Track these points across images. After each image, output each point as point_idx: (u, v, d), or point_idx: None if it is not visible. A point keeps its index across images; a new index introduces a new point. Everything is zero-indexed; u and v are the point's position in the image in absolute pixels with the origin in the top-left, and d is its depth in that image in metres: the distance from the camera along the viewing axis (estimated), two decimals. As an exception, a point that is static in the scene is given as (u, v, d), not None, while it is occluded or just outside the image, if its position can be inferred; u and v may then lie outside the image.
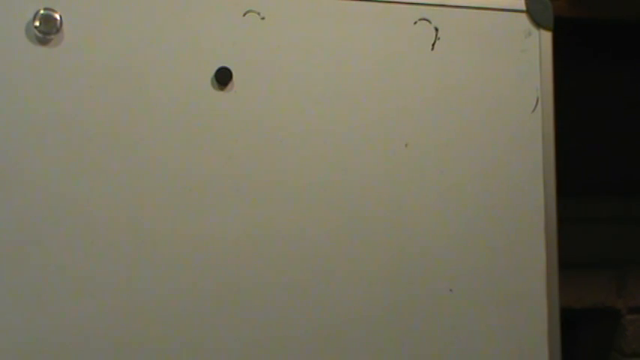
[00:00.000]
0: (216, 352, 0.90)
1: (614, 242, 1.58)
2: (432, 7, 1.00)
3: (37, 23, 0.87)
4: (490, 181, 1.00)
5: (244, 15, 0.94)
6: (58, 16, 0.88)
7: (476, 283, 0.99)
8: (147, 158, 0.90)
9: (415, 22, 0.99)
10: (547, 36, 1.04)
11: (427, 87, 0.99)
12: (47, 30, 0.87)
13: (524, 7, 1.03)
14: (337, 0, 0.97)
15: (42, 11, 0.87)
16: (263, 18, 0.94)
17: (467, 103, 1.00)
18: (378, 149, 0.97)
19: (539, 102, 1.03)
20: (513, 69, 1.02)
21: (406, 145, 0.98)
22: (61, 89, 0.88)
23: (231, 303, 0.91)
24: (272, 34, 0.94)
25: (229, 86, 0.93)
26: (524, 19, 1.03)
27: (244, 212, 0.92)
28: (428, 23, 1.00)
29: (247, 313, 0.91)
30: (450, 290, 0.98)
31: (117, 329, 0.88)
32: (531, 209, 1.02)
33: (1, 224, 0.85)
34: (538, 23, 1.04)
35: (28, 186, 0.86)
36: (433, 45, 1.00)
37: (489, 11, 1.02)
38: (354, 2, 0.97)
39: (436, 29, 1.00)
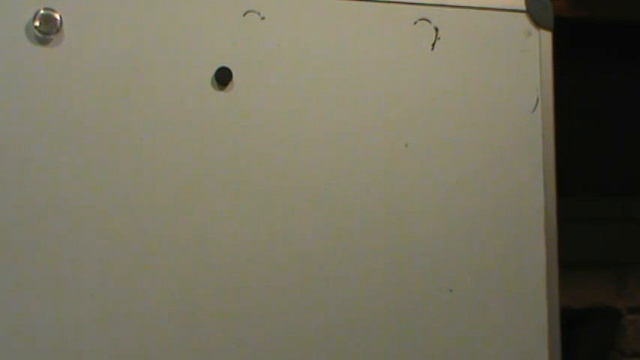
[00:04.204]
0: (217, 353, 0.90)
1: (614, 242, 1.58)
2: (432, 7, 1.00)
3: (37, 23, 0.87)
4: (490, 181, 1.00)
5: (244, 15, 0.94)
6: (58, 16, 0.88)
7: (476, 283, 0.99)
8: (147, 158, 0.90)
9: (415, 22, 0.99)
10: (547, 36, 1.04)
11: (427, 87, 0.99)
12: (47, 30, 0.87)
13: (524, 7, 1.03)
14: (337, 0, 0.97)
15: (42, 11, 0.87)
16: (263, 18, 0.94)
17: (467, 103, 1.00)
18: (378, 149, 0.97)
19: (539, 102, 1.03)
20: (513, 69, 1.02)
21: (406, 145, 0.98)
22: (61, 89, 0.88)
23: (230, 303, 0.91)
24: (272, 34, 0.94)
25: (229, 86, 0.93)
26: (524, 19, 1.03)
27: (244, 212, 0.92)
28: (428, 23, 1.00)
29: (247, 313, 0.91)
30: (450, 290, 0.98)
31: (117, 329, 0.88)
32: (531, 209, 1.02)
33: (1, 224, 0.85)
34: (538, 23, 1.04)
35: (28, 186, 0.86)
36: (433, 45, 1.00)
37: (489, 11, 1.02)
38: (354, 2, 0.97)
39: (436, 29, 1.00)
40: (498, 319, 0.99)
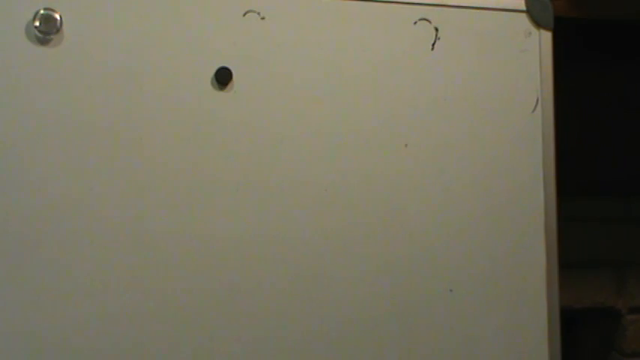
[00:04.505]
0: (216, 352, 0.90)
1: (614, 242, 1.58)
2: (432, 7, 1.00)
3: (37, 23, 0.87)
4: (490, 181, 1.00)
5: (244, 15, 0.94)
6: (58, 16, 0.88)
7: (476, 283, 0.99)
8: (147, 158, 0.90)
9: (415, 22, 0.99)
10: (547, 36, 1.04)
11: (427, 87, 0.99)
12: (47, 30, 0.87)
13: (524, 7, 1.03)
14: (337, 0, 0.97)
15: (42, 11, 0.87)
16: (263, 18, 0.94)
17: (467, 103, 1.00)
18: (378, 149, 0.97)
19: (539, 102, 1.03)
20: (513, 69, 1.02)
21: (406, 145, 0.98)
22: (61, 89, 0.88)
23: (230, 302, 0.91)
24: (272, 34, 0.94)
25: (229, 86, 0.93)
26: (524, 19, 1.03)
27: (244, 212, 0.92)
28: (428, 23, 1.00)
29: (247, 312, 0.91)
30: (450, 290, 0.98)
31: (117, 329, 0.88)
32: (531, 209, 1.02)
33: (1, 224, 0.85)
34: (538, 23, 1.04)
35: (28, 186, 0.86)
36: (433, 45, 1.00)
37: (489, 11, 1.02)
38: (354, 2, 0.97)
39: (436, 29, 1.00)
40: (498, 319, 0.99)
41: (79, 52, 0.89)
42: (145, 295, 0.89)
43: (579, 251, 1.55)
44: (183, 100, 0.91)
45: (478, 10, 1.01)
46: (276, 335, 0.92)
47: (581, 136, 1.51)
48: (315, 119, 0.95)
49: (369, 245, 0.96)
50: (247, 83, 0.93)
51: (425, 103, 0.99)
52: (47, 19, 0.87)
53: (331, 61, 0.96)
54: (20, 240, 0.86)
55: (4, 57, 0.87)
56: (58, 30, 0.88)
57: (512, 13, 1.03)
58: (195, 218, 0.91)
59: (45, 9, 0.87)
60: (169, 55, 0.91)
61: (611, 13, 1.45)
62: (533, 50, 1.03)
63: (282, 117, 0.94)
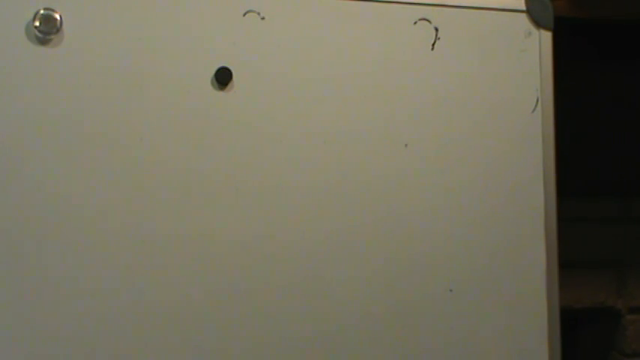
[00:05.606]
0: (215, 352, 0.90)
1: (614, 242, 1.58)
2: (432, 7, 1.00)
3: (37, 23, 0.87)
4: (490, 181, 1.00)
5: (244, 15, 0.94)
6: (58, 16, 0.88)
7: (476, 283, 0.99)
8: (147, 158, 0.90)
9: (415, 22, 0.99)
10: (547, 36, 1.04)
11: (427, 87, 0.99)
12: (47, 30, 0.87)
13: (524, 7, 1.03)
14: (337, 0, 0.97)
15: (42, 11, 0.87)
16: (263, 18, 0.94)
17: (467, 103, 1.00)
18: (378, 149, 0.97)
19: (539, 102, 1.03)
20: (513, 69, 1.02)
21: (406, 145, 0.98)
22: (61, 89, 0.88)
23: (230, 303, 0.91)
24: (272, 34, 0.94)
25: (229, 86, 0.93)
26: (524, 19, 1.03)
27: (244, 212, 0.92)
28: (428, 23, 1.00)
29: (247, 313, 0.91)
30: (450, 290, 0.98)
31: (117, 329, 0.88)
32: (531, 209, 1.02)
33: (1, 224, 0.85)
34: (538, 23, 1.04)
35: (28, 186, 0.86)
36: (433, 45, 1.00)
37: (489, 11, 1.02)
38: (354, 2, 0.97)
39: (436, 29, 1.00)
40: (498, 319, 0.99)
41: (79, 52, 0.89)
42: (145, 296, 0.89)
43: (579, 251, 1.55)
44: (183, 100, 0.91)
45: (478, 10, 1.01)
46: (275, 335, 0.92)
47: (581, 136, 1.51)
48: (314, 119, 0.95)
49: (368, 245, 0.96)
50: (247, 83, 0.93)
51: (425, 103, 0.99)
52: (47, 19, 0.87)
53: (331, 61, 0.96)
54: (20, 240, 0.86)
55: (4, 57, 0.87)
56: (58, 30, 0.88)
57: (512, 13, 1.03)
58: (195, 218, 0.91)
59: (45, 9, 0.87)
60: (169, 55, 0.91)
61: (611, 13, 1.45)
62: (533, 50, 1.03)
63: (282, 117, 0.94)
